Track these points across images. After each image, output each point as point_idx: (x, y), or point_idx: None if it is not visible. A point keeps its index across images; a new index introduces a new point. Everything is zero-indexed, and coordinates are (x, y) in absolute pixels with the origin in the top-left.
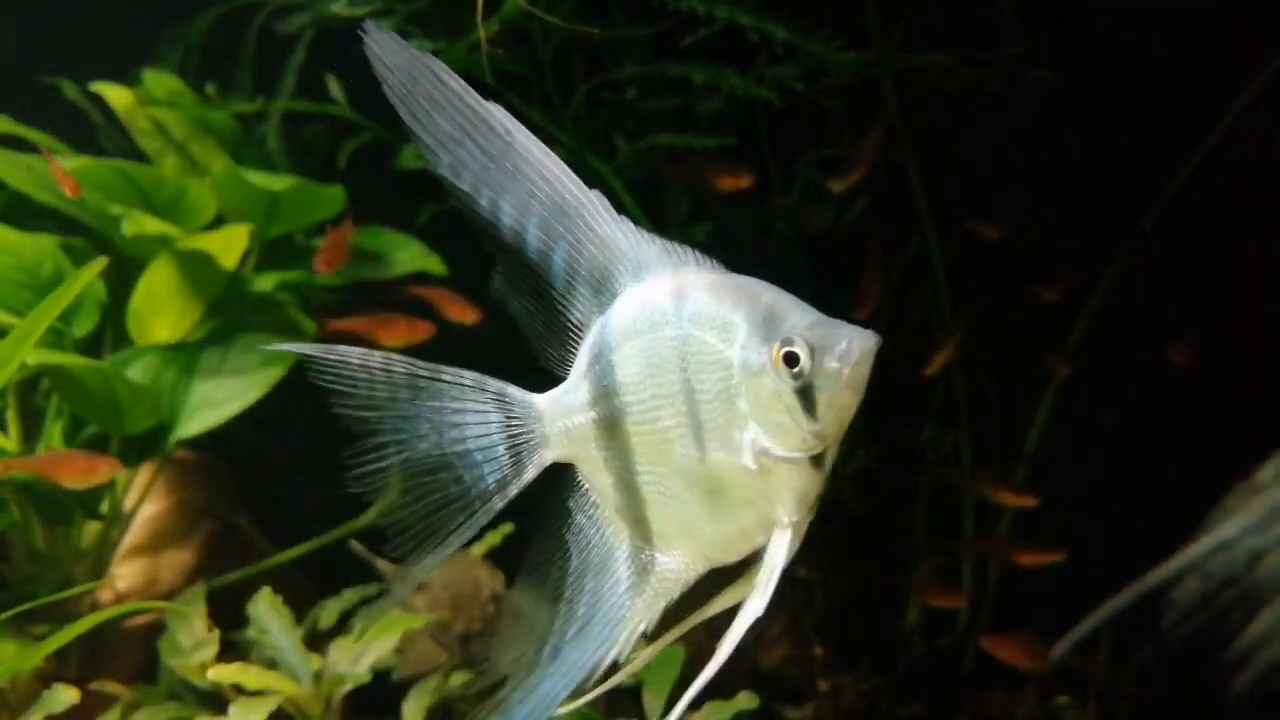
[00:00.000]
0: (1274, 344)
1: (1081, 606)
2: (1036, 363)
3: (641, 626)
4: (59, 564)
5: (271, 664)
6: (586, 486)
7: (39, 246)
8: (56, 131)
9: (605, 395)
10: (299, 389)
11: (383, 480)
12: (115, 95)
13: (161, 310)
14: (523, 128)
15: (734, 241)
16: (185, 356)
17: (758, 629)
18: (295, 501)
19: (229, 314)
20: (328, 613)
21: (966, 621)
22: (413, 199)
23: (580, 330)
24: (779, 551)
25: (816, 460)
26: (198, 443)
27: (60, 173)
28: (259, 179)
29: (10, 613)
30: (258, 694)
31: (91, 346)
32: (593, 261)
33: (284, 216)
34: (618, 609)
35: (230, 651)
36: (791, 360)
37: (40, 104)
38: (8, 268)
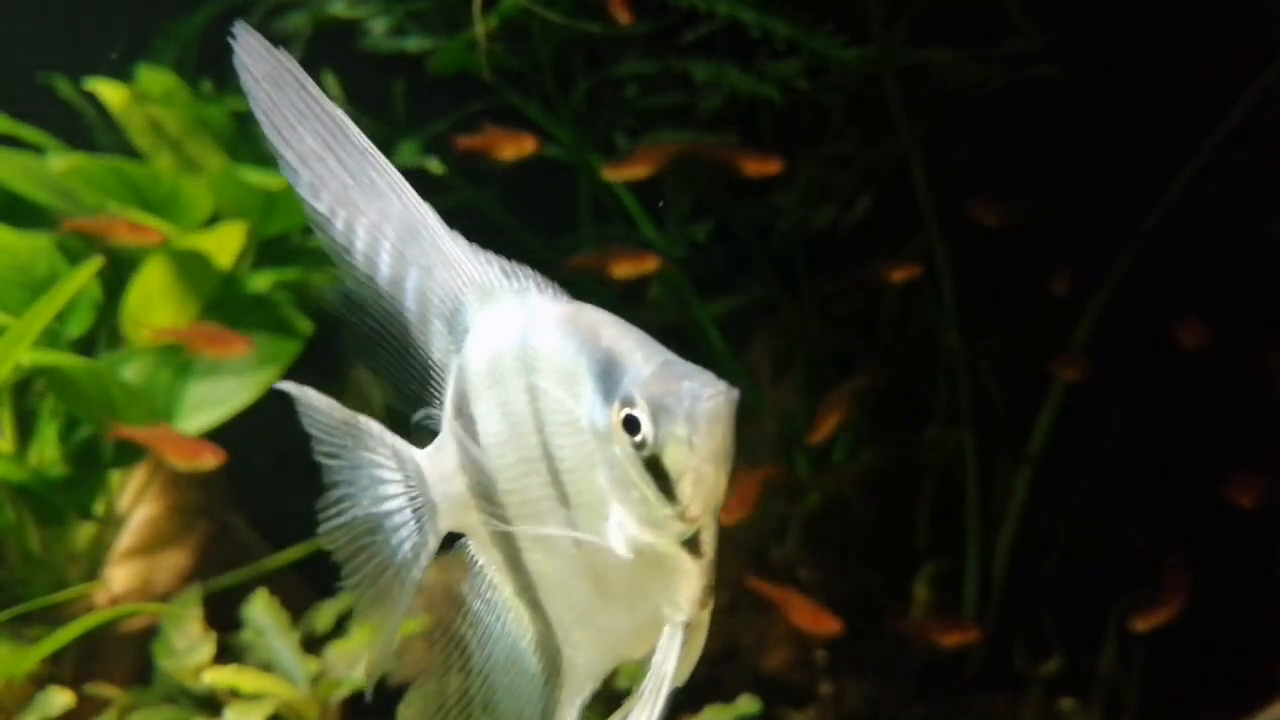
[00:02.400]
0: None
1: (1083, 608)
2: (1042, 361)
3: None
4: (54, 566)
5: (268, 667)
6: (480, 564)
7: (34, 245)
8: (50, 128)
9: (472, 458)
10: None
11: (345, 538)
12: (110, 92)
13: (157, 310)
14: (370, 143)
15: (735, 239)
16: (180, 356)
17: (759, 631)
18: (291, 503)
19: (224, 313)
20: (324, 616)
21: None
22: None
23: (444, 373)
24: (669, 657)
25: (691, 546)
26: None
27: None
28: (255, 177)
29: (5, 615)
30: (254, 697)
31: (86, 346)
32: (445, 289)
33: (280, 215)
34: (542, 703)
35: (226, 655)
36: (632, 426)
37: (34, 101)
38: (2, 266)
